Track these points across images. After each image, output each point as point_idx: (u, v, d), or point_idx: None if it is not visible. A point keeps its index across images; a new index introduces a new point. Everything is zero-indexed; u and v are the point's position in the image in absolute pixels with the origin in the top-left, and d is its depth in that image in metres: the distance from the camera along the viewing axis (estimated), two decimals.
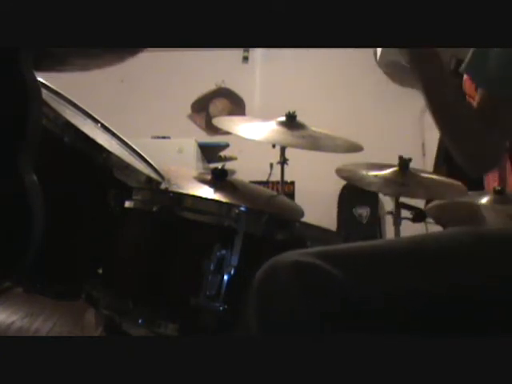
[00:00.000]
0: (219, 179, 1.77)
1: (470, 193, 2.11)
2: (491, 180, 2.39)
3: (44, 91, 1.23)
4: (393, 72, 3.94)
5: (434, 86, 1.12)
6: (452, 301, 0.78)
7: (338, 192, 3.90)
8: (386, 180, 2.02)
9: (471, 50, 1.17)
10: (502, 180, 2.37)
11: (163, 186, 1.52)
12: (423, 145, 3.88)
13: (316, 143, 2.02)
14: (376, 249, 0.85)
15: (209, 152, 3.59)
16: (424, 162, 3.55)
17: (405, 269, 0.80)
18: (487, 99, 1.17)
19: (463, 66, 1.19)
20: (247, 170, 3.23)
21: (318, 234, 1.34)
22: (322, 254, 0.80)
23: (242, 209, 1.22)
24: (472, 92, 2.27)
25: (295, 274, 0.77)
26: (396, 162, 2.06)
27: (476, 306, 0.78)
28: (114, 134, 1.62)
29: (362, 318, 0.76)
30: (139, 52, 1.12)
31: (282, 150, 2.19)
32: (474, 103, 1.19)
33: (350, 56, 3.82)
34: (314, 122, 2.10)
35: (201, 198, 1.45)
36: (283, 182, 2.31)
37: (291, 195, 3.69)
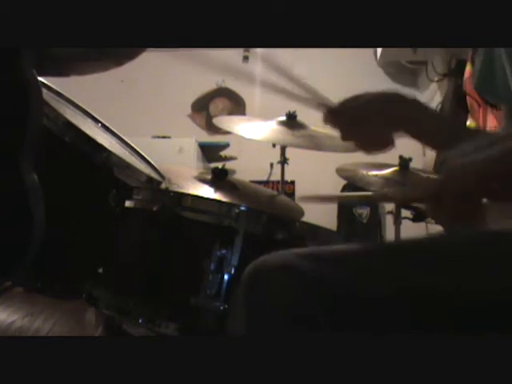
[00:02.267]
0: (219, 179, 1.77)
1: None
2: None
3: (44, 91, 1.23)
4: (393, 72, 3.95)
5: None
6: (450, 300, 0.78)
7: (337, 192, 3.89)
8: (386, 180, 2.02)
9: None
10: None
11: (163, 186, 1.52)
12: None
13: (316, 143, 2.02)
14: (366, 249, 0.85)
15: (209, 152, 3.60)
16: (424, 162, 3.55)
17: (392, 269, 0.80)
18: None
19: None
20: (247, 169, 3.23)
21: (317, 233, 1.34)
22: (309, 254, 0.80)
23: (243, 208, 1.22)
24: (472, 92, 2.27)
25: (279, 273, 0.77)
26: (396, 161, 2.05)
27: (474, 306, 0.78)
28: (114, 134, 1.62)
29: (350, 316, 0.76)
30: (137, 56, 1.12)
31: (283, 149, 2.20)
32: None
33: (350, 56, 3.82)
34: (314, 121, 2.10)
35: (201, 197, 1.45)
36: (283, 182, 2.31)
37: (291, 195, 3.69)
